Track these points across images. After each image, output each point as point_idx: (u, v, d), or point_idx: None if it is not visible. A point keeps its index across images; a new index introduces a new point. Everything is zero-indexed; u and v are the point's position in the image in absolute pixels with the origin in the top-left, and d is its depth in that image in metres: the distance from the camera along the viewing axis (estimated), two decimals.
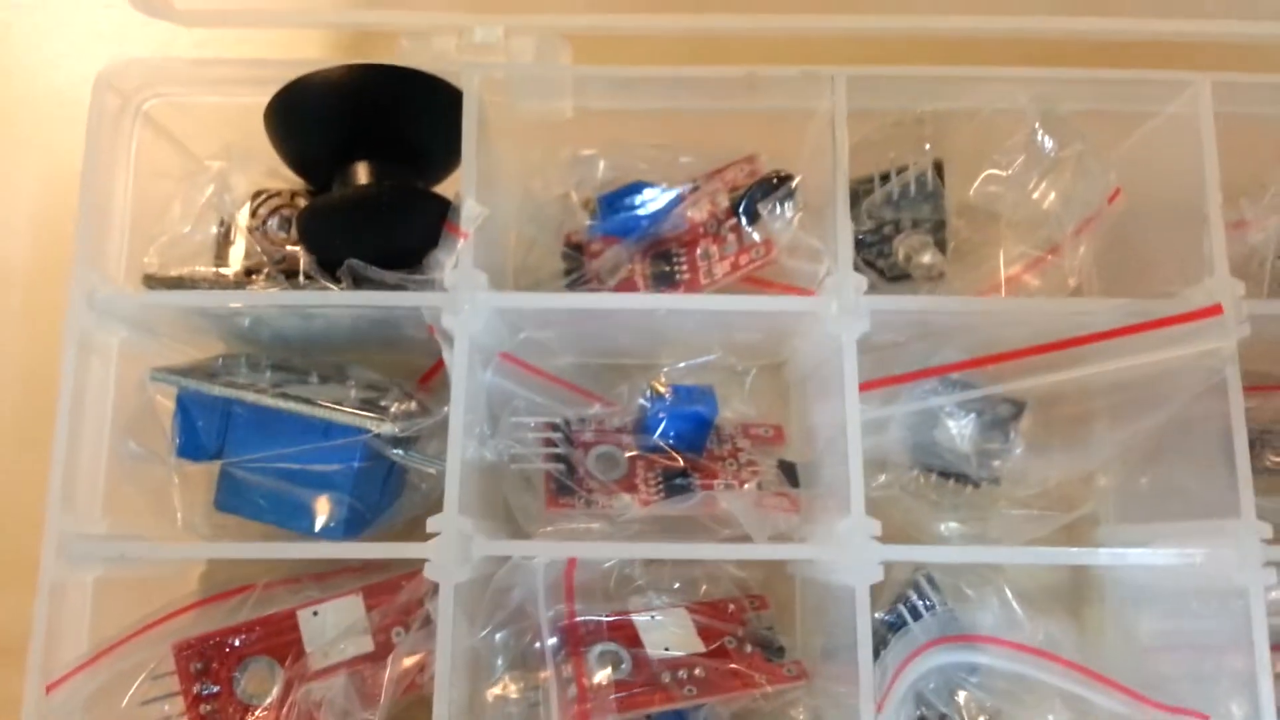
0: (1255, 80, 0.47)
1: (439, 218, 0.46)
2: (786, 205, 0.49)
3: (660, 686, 0.47)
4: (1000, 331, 0.49)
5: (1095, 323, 0.45)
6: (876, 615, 0.49)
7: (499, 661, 0.47)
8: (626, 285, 0.53)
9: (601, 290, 0.53)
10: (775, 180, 0.50)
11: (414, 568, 0.43)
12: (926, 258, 0.53)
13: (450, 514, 0.42)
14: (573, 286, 0.54)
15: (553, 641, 0.46)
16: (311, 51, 0.60)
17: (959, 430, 0.52)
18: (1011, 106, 0.48)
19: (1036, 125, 0.48)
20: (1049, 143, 0.48)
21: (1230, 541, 0.43)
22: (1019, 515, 0.52)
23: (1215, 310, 0.44)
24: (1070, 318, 0.46)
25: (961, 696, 0.48)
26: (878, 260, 0.55)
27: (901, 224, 0.55)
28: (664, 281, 0.53)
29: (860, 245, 0.54)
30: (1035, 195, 0.50)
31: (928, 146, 0.53)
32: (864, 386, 0.48)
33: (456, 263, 0.44)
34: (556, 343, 0.53)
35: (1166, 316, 0.44)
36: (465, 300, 0.44)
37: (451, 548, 0.42)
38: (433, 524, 0.42)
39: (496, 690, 0.47)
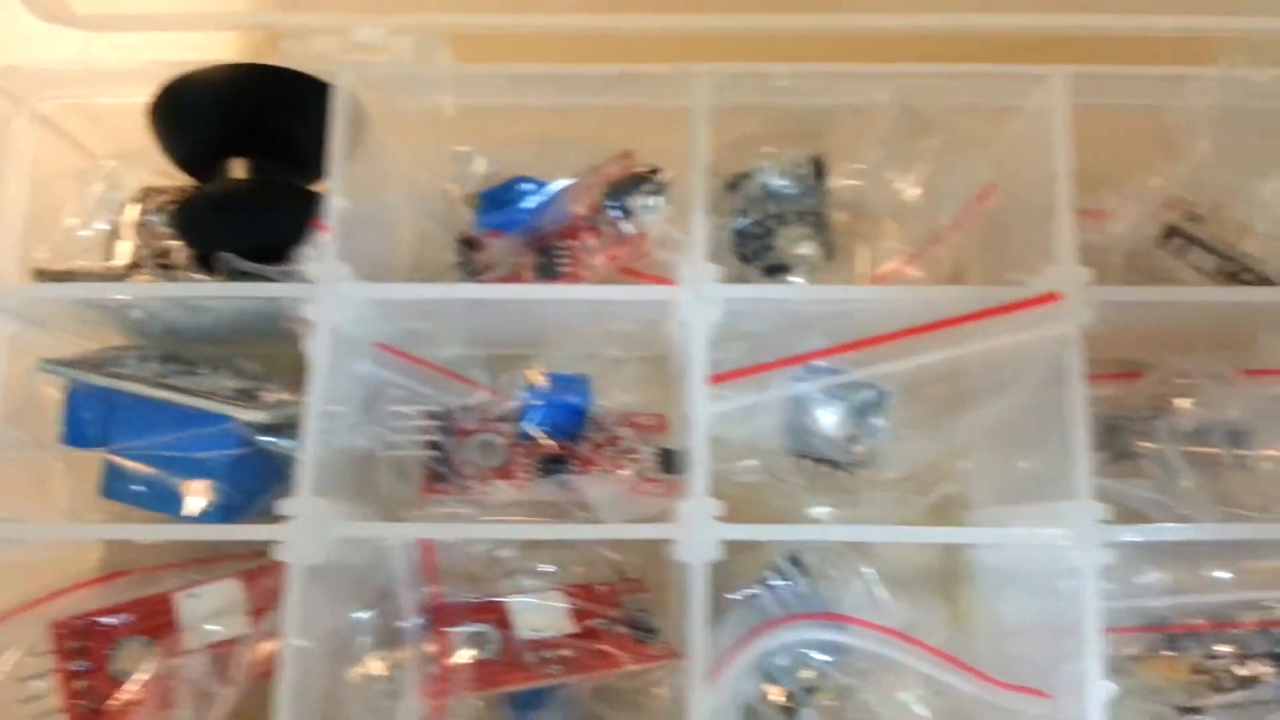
0: (1116, 71, 0.48)
1: (309, 213, 0.48)
2: (656, 199, 0.51)
3: (521, 666, 0.49)
4: (863, 320, 0.50)
5: (945, 310, 0.46)
6: (734, 595, 0.50)
7: (365, 640, 0.48)
8: (513, 277, 0.55)
9: (489, 282, 0.55)
10: (646, 175, 0.51)
11: None
12: (804, 249, 0.55)
13: (303, 498, 0.44)
14: (465, 278, 0.55)
15: (418, 621, 0.48)
16: (225, 54, 0.61)
17: (828, 416, 0.53)
18: (871, 102, 0.49)
19: (895, 120, 0.48)
20: (910, 137, 0.49)
21: (1069, 522, 0.44)
22: (885, 497, 0.53)
23: (1053, 297, 0.45)
24: (921, 305, 0.47)
25: (810, 673, 0.49)
26: (763, 253, 0.56)
27: (785, 217, 0.56)
28: (547, 273, 0.54)
29: (744, 238, 0.55)
30: (898, 187, 0.51)
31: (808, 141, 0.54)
32: (722, 377, 0.49)
33: (320, 255, 0.46)
34: (445, 333, 0.54)
35: (1007, 303, 0.45)
36: (327, 291, 0.46)
37: (303, 531, 0.43)
38: (285, 507, 0.44)
39: (363, 668, 0.48)
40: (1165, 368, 0.49)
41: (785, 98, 0.49)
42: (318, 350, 0.45)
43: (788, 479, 0.53)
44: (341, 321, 0.46)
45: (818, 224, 0.56)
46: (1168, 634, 0.52)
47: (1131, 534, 0.44)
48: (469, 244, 0.56)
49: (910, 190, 0.51)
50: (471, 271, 0.56)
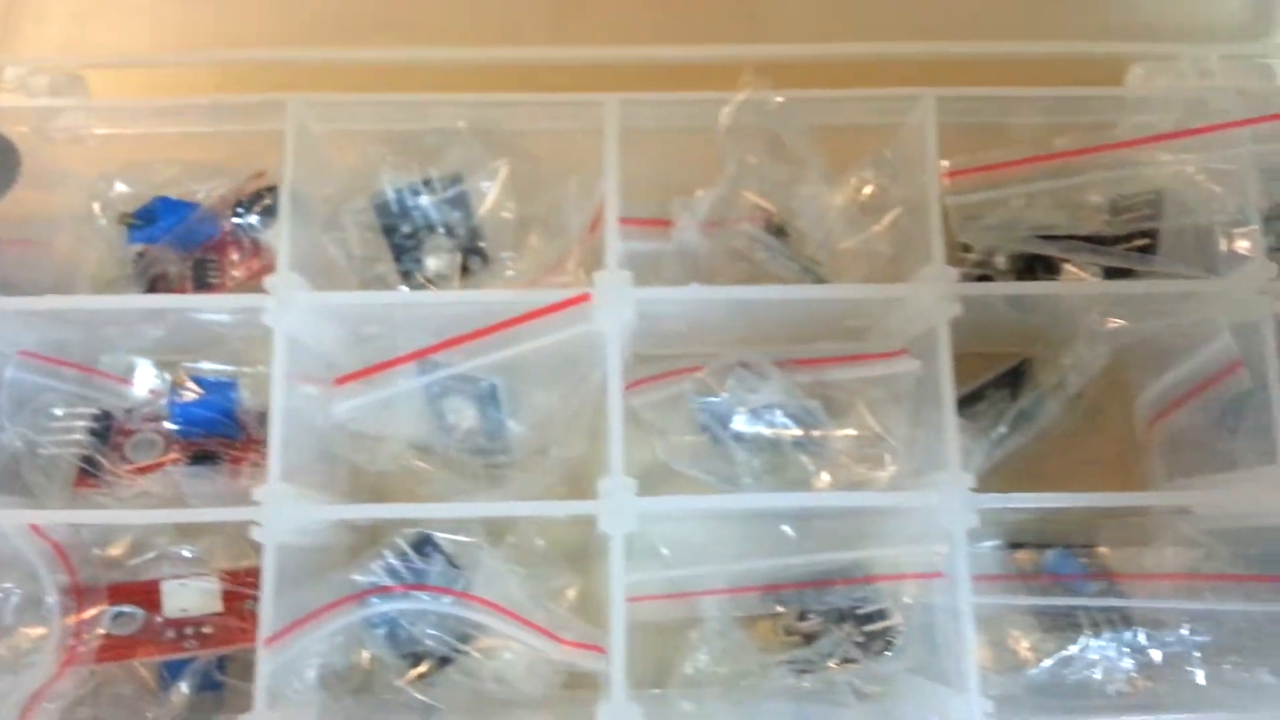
0: (662, 97, 0.54)
1: None
2: (266, 216, 0.56)
3: (155, 641, 0.54)
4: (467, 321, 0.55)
5: (504, 311, 0.52)
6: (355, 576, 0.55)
7: (9, 619, 0.54)
8: (180, 288, 0.60)
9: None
10: (261, 193, 0.57)
11: None
12: (439, 261, 0.60)
13: None
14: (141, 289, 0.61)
15: (59, 599, 0.53)
16: None
17: (455, 408, 0.59)
18: (450, 127, 0.54)
19: (469, 144, 0.54)
20: (485, 159, 0.55)
21: (602, 494, 0.50)
22: (518, 479, 0.59)
23: (584, 298, 0.51)
24: (490, 306, 0.53)
25: (414, 640, 0.54)
26: (416, 264, 0.61)
27: (436, 231, 0.61)
28: (202, 284, 0.60)
29: (400, 251, 0.61)
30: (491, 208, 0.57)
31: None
32: (346, 377, 0.55)
33: None
34: (122, 339, 0.60)
35: (547, 305, 0.51)
36: None
37: None
38: None
39: (9, 642, 0.54)
40: (714, 358, 0.55)
41: (374, 123, 0.55)
42: None
43: (425, 466, 0.59)
44: None
45: (464, 237, 0.61)
46: (770, 594, 0.58)
47: (657, 505, 0.50)
48: (139, 259, 0.61)
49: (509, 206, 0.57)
50: (144, 283, 0.61)
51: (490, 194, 0.55)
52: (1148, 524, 0.58)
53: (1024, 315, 0.58)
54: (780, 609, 0.56)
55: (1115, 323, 0.51)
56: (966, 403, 0.59)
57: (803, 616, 0.58)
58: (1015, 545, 0.58)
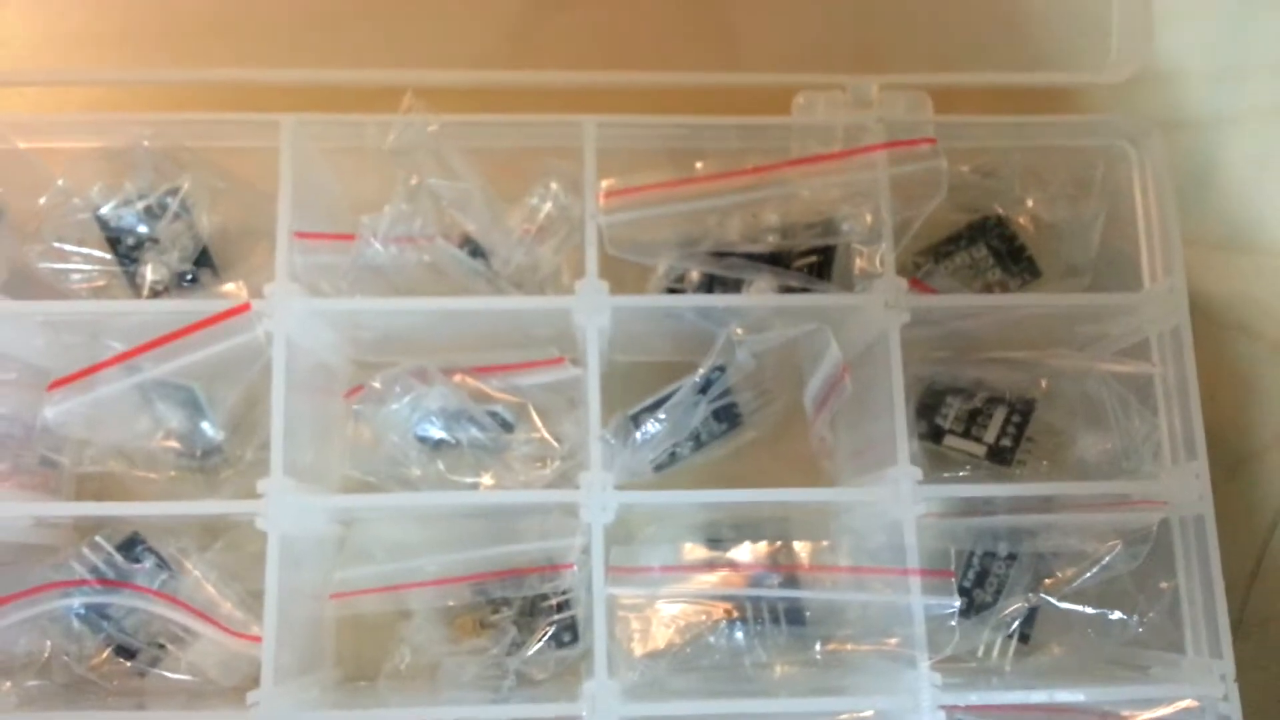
0: (331, 120, 0.57)
1: None
2: None
3: None
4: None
5: (178, 320, 0.55)
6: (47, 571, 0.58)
7: None
8: None
9: None
10: None
11: None
12: (157, 273, 0.63)
13: None
14: None
15: None
16: None
17: (161, 414, 0.62)
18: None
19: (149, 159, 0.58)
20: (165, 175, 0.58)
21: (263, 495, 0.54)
22: (231, 482, 0.62)
23: (244, 308, 0.54)
24: (164, 316, 0.56)
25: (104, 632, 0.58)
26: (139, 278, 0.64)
27: (162, 244, 0.64)
28: None
29: (124, 261, 0.64)
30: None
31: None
32: (60, 382, 0.57)
33: None
34: None
35: (206, 317, 0.54)
36: None
37: None
38: None
39: None
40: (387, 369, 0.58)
41: (74, 140, 0.58)
42: None
43: (123, 469, 0.62)
44: None
45: (189, 250, 0.64)
46: (467, 586, 0.62)
47: (314, 503, 0.54)
48: None
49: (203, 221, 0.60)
50: None
51: (170, 209, 0.58)
52: (825, 522, 0.62)
53: (716, 327, 0.62)
54: (480, 599, 0.60)
55: (741, 333, 0.55)
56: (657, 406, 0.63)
57: (498, 610, 0.62)
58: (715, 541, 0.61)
